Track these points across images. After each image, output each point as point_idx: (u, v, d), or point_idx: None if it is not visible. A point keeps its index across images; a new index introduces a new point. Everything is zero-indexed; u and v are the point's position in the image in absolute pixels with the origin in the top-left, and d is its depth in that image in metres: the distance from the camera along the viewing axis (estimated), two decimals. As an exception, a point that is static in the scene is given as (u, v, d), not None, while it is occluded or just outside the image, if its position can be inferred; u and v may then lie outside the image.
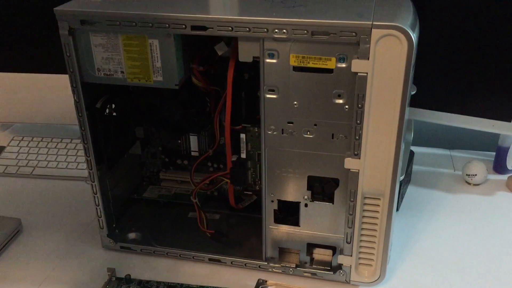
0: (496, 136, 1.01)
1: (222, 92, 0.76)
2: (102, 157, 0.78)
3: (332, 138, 0.68)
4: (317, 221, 0.74)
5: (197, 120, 0.83)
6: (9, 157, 1.09)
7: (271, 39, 0.63)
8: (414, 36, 0.59)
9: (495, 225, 0.90)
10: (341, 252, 0.75)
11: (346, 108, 0.65)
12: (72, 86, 0.72)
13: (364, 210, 0.71)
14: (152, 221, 0.89)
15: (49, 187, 1.01)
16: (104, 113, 0.77)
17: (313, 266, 0.78)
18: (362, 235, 0.73)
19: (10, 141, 1.13)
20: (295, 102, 0.67)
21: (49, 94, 1.09)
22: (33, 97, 1.10)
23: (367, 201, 0.70)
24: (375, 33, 0.60)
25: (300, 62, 0.64)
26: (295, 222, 0.75)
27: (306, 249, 0.77)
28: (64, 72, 0.70)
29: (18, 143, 1.13)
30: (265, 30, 0.63)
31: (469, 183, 1.00)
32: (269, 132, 0.69)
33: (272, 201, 0.74)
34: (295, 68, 0.65)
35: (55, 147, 1.11)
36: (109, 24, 0.66)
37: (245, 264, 0.80)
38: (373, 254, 0.74)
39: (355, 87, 0.63)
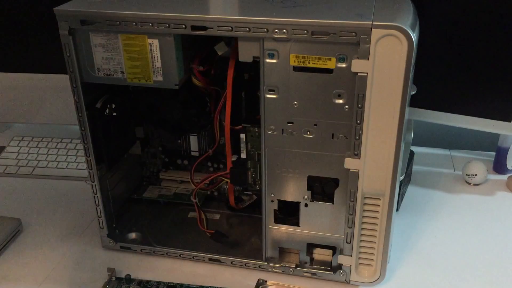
0: (496, 136, 1.01)
1: (222, 92, 0.76)
2: (102, 157, 0.78)
3: (332, 138, 0.68)
4: (317, 221, 0.74)
5: (197, 120, 0.83)
6: (9, 157, 1.09)
7: (271, 39, 0.63)
8: (414, 36, 0.59)
9: (495, 225, 0.90)
10: (341, 252, 0.75)
11: (346, 108, 0.65)
12: (72, 86, 0.72)
13: (364, 210, 0.71)
14: (152, 221, 0.89)
15: (49, 187, 1.01)
16: (104, 113, 0.77)
17: (313, 266, 0.78)
18: (362, 235, 0.73)
19: (10, 141, 1.13)
20: (295, 102, 0.67)
21: (49, 94, 1.09)
22: (33, 97, 1.10)
23: (367, 201, 0.70)
24: (375, 33, 0.60)
25: (300, 62, 0.64)
26: (295, 222, 0.75)
27: (306, 249, 0.77)
28: (64, 72, 0.70)
29: (18, 143, 1.13)
30: (265, 30, 0.63)
31: (469, 183, 1.00)
32: (269, 132, 0.69)
33: (272, 201, 0.74)
34: (295, 68, 0.65)
35: (55, 147, 1.11)
36: (109, 24, 0.66)
37: (245, 264, 0.80)
38: (373, 254, 0.74)
39: (355, 87, 0.63)
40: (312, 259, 0.78)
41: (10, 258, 0.83)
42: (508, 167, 1.02)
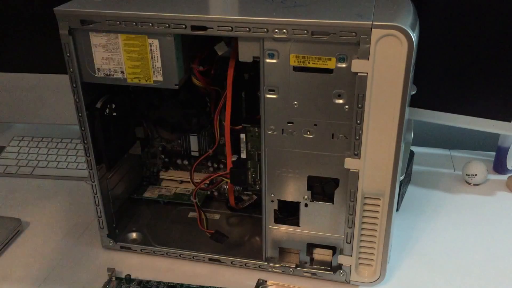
0: (496, 136, 1.01)
1: (222, 92, 0.76)
2: (102, 157, 0.78)
3: (332, 138, 0.68)
4: (317, 221, 0.74)
5: (197, 120, 0.83)
6: (9, 157, 1.09)
7: (271, 39, 0.63)
8: (414, 36, 0.59)
9: (495, 225, 0.89)
10: (341, 252, 0.75)
11: (346, 108, 0.65)
12: (72, 86, 0.72)
13: (364, 210, 0.71)
14: (152, 221, 0.89)
15: (49, 187, 1.01)
16: (104, 113, 0.77)
17: (313, 266, 0.78)
18: (362, 235, 0.73)
19: (10, 141, 1.13)
20: (295, 102, 0.67)
21: (49, 94, 1.09)
22: (33, 97, 1.10)
23: (367, 201, 0.70)
24: (375, 33, 0.60)
25: (300, 62, 0.64)
26: (295, 222, 0.75)
27: (306, 249, 0.77)
28: (64, 72, 0.70)
29: (18, 143, 1.13)
30: (265, 30, 0.63)
31: (469, 183, 1.00)
32: (269, 132, 0.69)
33: (272, 201, 0.74)
34: (295, 68, 0.65)
35: (55, 147, 1.11)
36: (109, 24, 0.66)
37: (245, 264, 0.80)
38: (373, 254, 0.74)
39: (355, 87, 0.63)
40: (312, 259, 0.78)
41: (10, 258, 0.83)
42: (508, 167, 1.02)
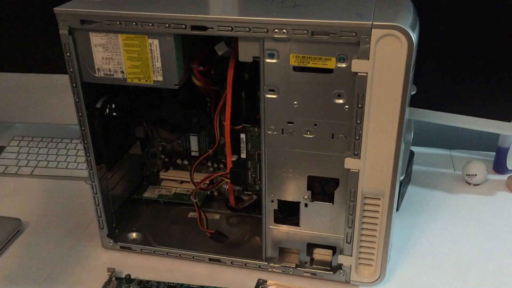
0: (496, 136, 1.01)
1: (222, 92, 0.76)
2: (102, 157, 0.78)
3: (332, 138, 0.68)
4: (317, 221, 0.74)
5: (197, 120, 0.83)
6: (9, 157, 1.09)
7: (271, 39, 0.63)
8: (414, 36, 0.59)
9: (495, 225, 0.90)
10: (341, 252, 0.75)
11: (346, 108, 0.65)
12: (72, 86, 0.72)
13: (364, 210, 0.71)
14: (152, 221, 0.89)
15: (49, 187, 1.01)
16: (104, 113, 0.77)
17: (313, 266, 0.78)
18: (362, 235, 0.73)
19: (10, 141, 1.13)
20: (295, 102, 0.67)
21: (49, 94, 1.09)
22: (33, 97, 1.10)
23: (367, 201, 0.70)
24: (375, 33, 0.60)
25: (300, 62, 0.64)
26: (295, 222, 0.75)
27: (306, 249, 0.77)
28: (64, 72, 0.70)
29: (18, 143, 1.13)
30: (265, 30, 0.63)
31: (469, 183, 1.00)
32: (269, 132, 0.69)
33: (272, 201, 0.74)
34: (295, 68, 0.65)
35: (55, 147, 1.11)
36: (109, 24, 0.66)
37: (245, 264, 0.80)
38: (373, 254, 0.74)
39: (355, 87, 0.63)
40: (312, 259, 0.78)
41: (10, 258, 0.83)
42: (508, 167, 1.02)
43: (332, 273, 0.76)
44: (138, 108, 0.85)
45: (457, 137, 1.15)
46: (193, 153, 0.91)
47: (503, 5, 0.83)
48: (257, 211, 0.78)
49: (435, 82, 0.93)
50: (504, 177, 1.02)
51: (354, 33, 0.60)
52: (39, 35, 1.04)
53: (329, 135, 0.68)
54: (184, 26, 0.64)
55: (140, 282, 0.77)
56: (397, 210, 0.92)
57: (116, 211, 0.85)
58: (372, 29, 0.59)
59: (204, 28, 0.64)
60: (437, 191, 0.99)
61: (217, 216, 0.90)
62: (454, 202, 0.95)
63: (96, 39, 0.69)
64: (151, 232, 0.86)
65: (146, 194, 0.93)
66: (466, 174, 1.00)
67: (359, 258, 0.75)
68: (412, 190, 0.99)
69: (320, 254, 0.78)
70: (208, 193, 0.93)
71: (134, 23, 0.66)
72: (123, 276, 0.77)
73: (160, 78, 0.70)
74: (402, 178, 0.89)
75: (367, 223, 0.72)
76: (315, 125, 0.68)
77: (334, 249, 0.76)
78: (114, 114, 0.80)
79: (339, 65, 0.63)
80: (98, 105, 0.76)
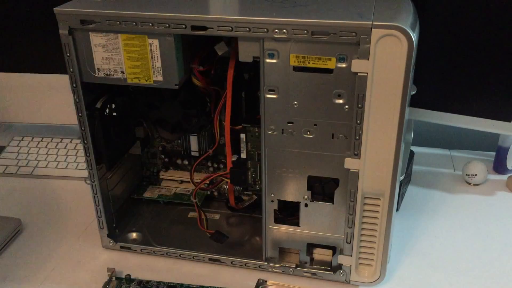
0: (496, 136, 1.01)
1: (222, 92, 0.76)
2: (102, 157, 0.78)
3: (332, 138, 0.68)
4: (317, 221, 0.74)
5: (197, 120, 0.83)
6: (9, 157, 1.09)
7: (271, 39, 0.63)
8: (414, 36, 0.59)
9: (495, 225, 0.90)
10: (341, 252, 0.75)
11: (346, 108, 0.65)
12: (72, 86, 0.72)
13: (364, 210, 0.71)
14: (152, 221, 0.89)
15: (49, 187, 1.01)
16: (104, 113, 0.77)
17: (313, 266, 0.78)
18: (362, 235, 0.73)
19: (10, 141, 1.13)
20: (295, 102, 0.67)
21: (49, 94, 1.09)
22: (33, 97, 1.10)
23: (367, 201, 0.70)
24: (375, 33, 0.60)
25: (300, 62, 0.64)
26: (295, 222, 0.75)
27: (306, 249, 0.77)
28: (64, 72, 0.70)
29: (18, 143, 1.12)
30: (265, 30, 0.63)
31: (469, 183, 1.00)
32: (269, 132, 0.69)
33: (272, 201, 0.74)
34: (295, 68, 0.65)
35: (55, 147, 1.11)
36: (109, 24, 0.66)
37: (245, 264, 0.80)
38: (373, 254, 0.74)
39: (355, 87, 0.63)
40: (312, 259, 0.78)
41: (10, 258, 0.83)
42: (508, 167, 1.02)
43: (332, 273, 0.76)
44: (138, 108, 0.85)
45: (457, 137, 1.15)
46: (193, 153, 0.91)
47: (503, 5, 0.83)
48: (257, 211, 0.78)
49: (435, 82, 0.93)
50: (504, 177, 1.02)
51: (354, 33, 0.60)
52: (39, 35, 1.04)
53: (329, 135, 0.68)
54: (184, 26, 0.64)
55: (140, 282, 0.77)
56: (397, 210, 0.92)
57: (116, 211, 0.85)
58: (372, 29, 0.59)
59: (204, 28, 0.64)
60: (437, 191, 0.99)
61: (217, 216, 0.90)
62: (454, 202, 0.95)
63: (96, 39, 0.69)
64: (151, 232, 0.86)
65: (146, 194, 0.93)
66: (466, 174, 1.00)
67: (359, 258, 0.75)
68: (412, 190, 0.99)
69: (320, 254, 0.78)
70: (208, 193, 0.93)
71: (134, 23, 0.66)
72: (123, 276, 0.77)
73: (160, 78, 0.70)
74: (402, 178, 0.89)
75: (367, 223, 0.72)
76: (315, 125, 0.68)
77: (334, 249, 0.76)
78: (114, 114, 0.80)
79: (339, 65, 0.63)
80: (98, 105, 0.76)
